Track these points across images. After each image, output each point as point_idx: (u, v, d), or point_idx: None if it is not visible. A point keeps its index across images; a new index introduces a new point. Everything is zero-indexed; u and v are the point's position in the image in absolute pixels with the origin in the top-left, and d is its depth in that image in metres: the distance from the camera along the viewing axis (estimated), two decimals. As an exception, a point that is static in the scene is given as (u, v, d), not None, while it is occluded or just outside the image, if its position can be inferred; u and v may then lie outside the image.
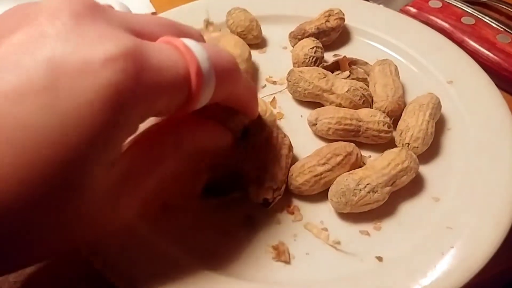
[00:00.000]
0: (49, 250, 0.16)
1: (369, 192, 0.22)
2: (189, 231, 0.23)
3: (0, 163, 0.12)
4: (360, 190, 0.22)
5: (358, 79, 0.30)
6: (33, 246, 0.14)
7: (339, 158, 0.23)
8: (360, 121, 0.26)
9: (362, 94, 0.27)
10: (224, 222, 0.23)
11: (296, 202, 0.24)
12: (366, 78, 0.30)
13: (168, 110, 0.17)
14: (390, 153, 0.23)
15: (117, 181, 0.16)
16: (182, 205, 0.24)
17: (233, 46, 0.30)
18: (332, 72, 0.30)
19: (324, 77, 0.28)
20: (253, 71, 0.32)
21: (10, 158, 0.12)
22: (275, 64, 0.31)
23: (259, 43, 0.34)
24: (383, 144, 0.26)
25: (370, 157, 0.26)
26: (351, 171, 0.23)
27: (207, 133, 0.21)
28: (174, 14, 0.35)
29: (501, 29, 0.33)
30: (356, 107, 0.27)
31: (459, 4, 0.35)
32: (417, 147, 0.25)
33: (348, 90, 0.27)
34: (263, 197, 0.22)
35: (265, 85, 0.31)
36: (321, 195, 0.24)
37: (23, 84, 0.12)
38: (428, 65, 0.31)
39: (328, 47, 0.33)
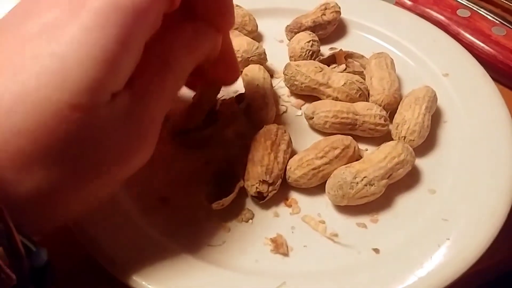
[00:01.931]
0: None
1: (365, 185, 0.22)
2: (187, 223, 0.23)
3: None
4: (357, 183, 0.22)
5: (354, 72, 0.30)
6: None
7: (336, 151, 0.23)
8: (356, 115, 0.26)
9: (359, 87, 0.27)
10: (222, 214, 0.23)
11: (294, 195, 0.24)
12: (362, 72, 0.30)
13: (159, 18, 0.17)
14: (386, 146, 0.23)
15: (134, 105, 0.17)
16: (180, 198, 0.24)
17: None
18: (329, 66, 0.30)
19: (321, 71, 0.28)
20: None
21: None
22: (272, 57, 0.31)
23: (254, 37, 0.33)
24: (380, 137, 0.26)
25: (367, 150, 0.26)
26: (348, 164, 0.23)
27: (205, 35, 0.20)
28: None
29: (497, 22, 0.33)
30: (352, 100, 0.27)
31: (454, -4, 0.35)
32: (413, 140, 0.25)
33: (344, 83, 0.27)
34: (258, 191, 0.23)
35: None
36: (319, 188, 0.24)
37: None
38: (424, 58, 0.31)
39: (324, 41, 0.33)
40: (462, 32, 0.33)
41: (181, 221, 0.23)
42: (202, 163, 0.25)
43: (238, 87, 0.30)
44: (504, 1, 0.35)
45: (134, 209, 0.23)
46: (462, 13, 0.34)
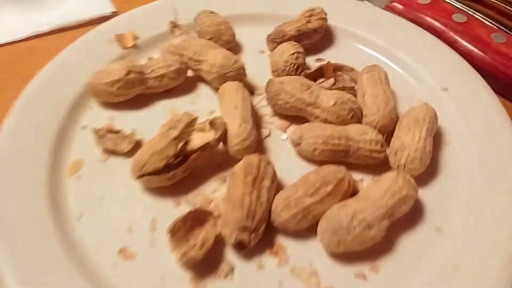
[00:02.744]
0: None
1: (365, 229, 0.19)
2: (150, 281, 0.19)
3: None
4: (355, 227, 0.19)
5: (344, 88, 0.26)
6: None
7: (329, 188, 0.20)
8: (349, 140, 0.22)
9: (351, 107, 0.24)
10: (196, 269, 0.19)
11: (280, 240, 0.21)
12: (353, 87, 0.27)
13: None
14: (385, 180, 0.20)
15: None
16: (143, 250, 0.20)
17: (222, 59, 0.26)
18: (315, 80, 0.27)
19: (308, 89, 0.25)
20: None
21: None
22: (252, 71, 0.28)
23: (232, 47, 0.30)
24: (375, 163, 0.23)
25: (362, 180, 0.23)
26: (343, 203, 0.20)
27: None
28: (137, 15, 0.31)
29: (496, 27, 0.30)
30: (344, 122, 0.24)
31: (449, 0, 0.33)
32: (415, 169, 0.22)
33: (334, 103, 0.24)
34: (238, 239, 0.19)
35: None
36: (309, 230, 0.20)
37: None
38: (420, 70, 0.28)
39: (309, 51, 0.30)
40: (459, 39, 0.30)
41: (143, 279, 0.19)
42: (171, 206, 0.22)
43: (214, 106, 0.27)
44: (502, 4, 0.33)
45: (87, 269, 0.19)
46: (458, 18, 0.31)
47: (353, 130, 0.23)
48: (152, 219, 0.21)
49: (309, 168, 0.23)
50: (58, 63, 0.28)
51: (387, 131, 0.24)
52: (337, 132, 0.22)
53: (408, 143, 0.22)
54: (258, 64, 0.29)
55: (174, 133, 0.21)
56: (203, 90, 0.28)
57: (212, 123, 0.23)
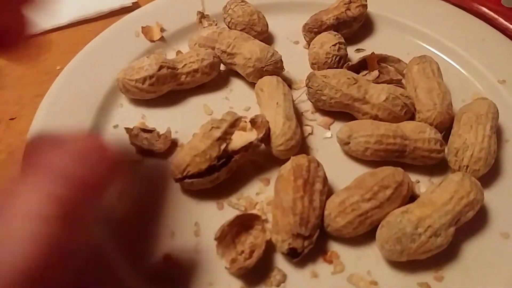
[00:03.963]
0: None
1: (430, 237, 0.17)
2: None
3: None
4: (420, 234, 0.17)
5: (391, 81, 0.25)
6: None
7: (388, 192, 0.18)
8: (405, 139, 0.21)
9: (404, 103, 0.22)
10: (245, 278, 0.18)
11: (334, 247, 0.19)
12: (401, 79, 0.25)
13: None
14: (450, 183, 0.19)
15: None
16: (188, 256, 0.19)
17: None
18: (358, 73, 0.25)
19: (355, 83, 0.23)
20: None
21: None
22: (288, 63, 0.26)
23: (264, 39, 0.28)
24: (431, 164, 0.21)
25: (419, 182, 0.21)
26: (405, 208, 0.18)
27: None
28: (162, 5, 0.30)
29: (551, 13, 0.28)
30: (396, 119, 0.22)
31: (497, -17, 0.30)
32: (478, 170, 0.20)
33: (386, 98, 0.22)
34: (290, 247, 0.18)
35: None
36: (365, 236, 0.19)
37: None
38: (473, 61, 0.26)
39: (348, 41, 0.28)
40: (511, 26, 0.28)
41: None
42: (214, 209, 0.20)
43: (250, 102, 0.25)
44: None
45: (133, 276, 0.18)
46: (508, 3, 0.29)
47: (408, 128, 0.21)
48: (195, 223, 0.20)
49: (358, 169, 0.22)
50: (82, 58, 0.26)
51: (444, 129, 0.22)
52: (392, 130, 0.21)
53: (471, 142, 0.20)
54: (293, 56, 0.27)
55: (217, 133, 0.20)
56: (237, 85, 0.26)
57: (254, 122, 0.22)
